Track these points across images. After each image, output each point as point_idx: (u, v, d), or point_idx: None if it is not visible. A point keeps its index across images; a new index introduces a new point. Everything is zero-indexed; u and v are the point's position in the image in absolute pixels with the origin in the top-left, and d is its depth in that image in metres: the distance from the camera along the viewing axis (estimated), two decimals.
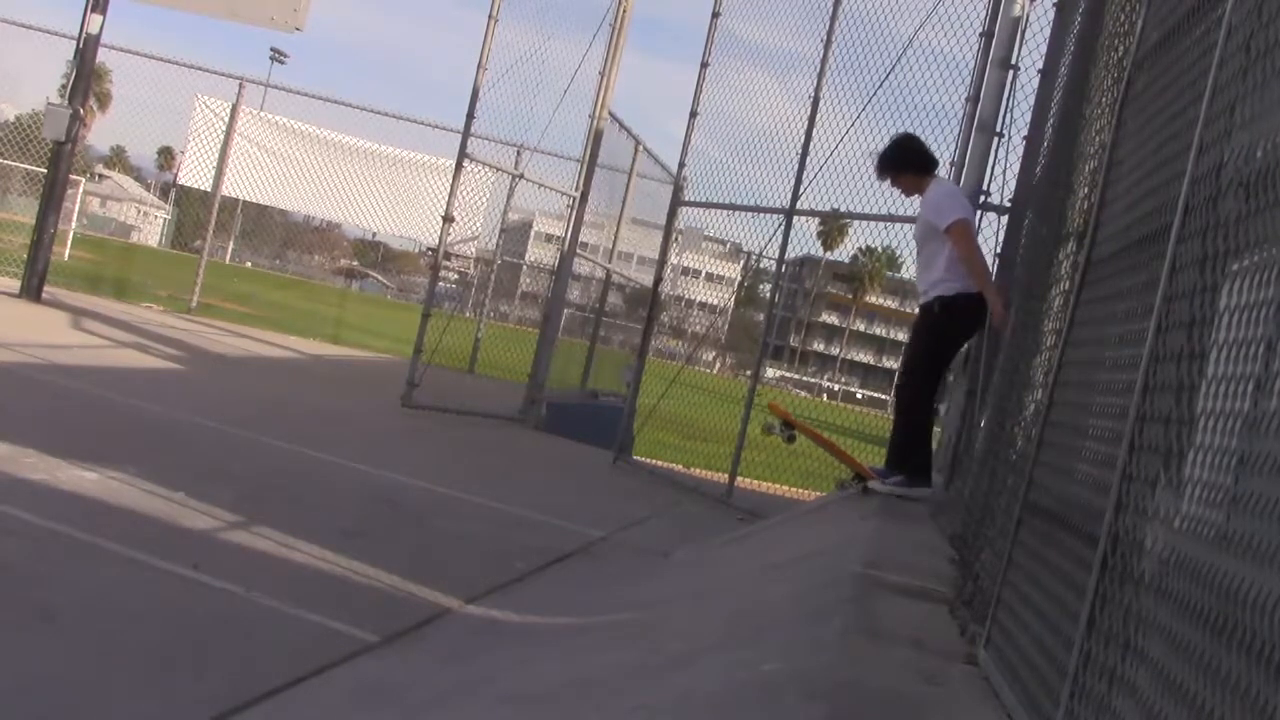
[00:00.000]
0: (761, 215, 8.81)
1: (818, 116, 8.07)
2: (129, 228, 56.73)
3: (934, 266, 5.38)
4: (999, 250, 7.15)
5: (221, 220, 20.50)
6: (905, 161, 5.62)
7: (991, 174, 7.04)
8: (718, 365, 37.83)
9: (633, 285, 15.61)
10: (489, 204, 14.63)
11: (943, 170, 7.23)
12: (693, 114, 9.04)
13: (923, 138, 6.41)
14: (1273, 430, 1.38)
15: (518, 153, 11.73)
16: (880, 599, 3.24)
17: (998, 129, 7.00)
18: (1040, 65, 6.84)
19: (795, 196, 8.18)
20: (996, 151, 7.03)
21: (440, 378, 9.72)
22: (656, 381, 10.04)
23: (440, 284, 11.19)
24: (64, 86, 12.13)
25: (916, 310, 5.74)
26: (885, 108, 7.59)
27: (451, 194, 9.66)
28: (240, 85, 15.99)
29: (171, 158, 52.88)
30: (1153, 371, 1.89)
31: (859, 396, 60.11)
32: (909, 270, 6.01)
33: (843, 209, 8.10)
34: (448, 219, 9.71)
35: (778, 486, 10.35)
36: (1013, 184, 6.96)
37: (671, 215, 9.93)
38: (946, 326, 5.40)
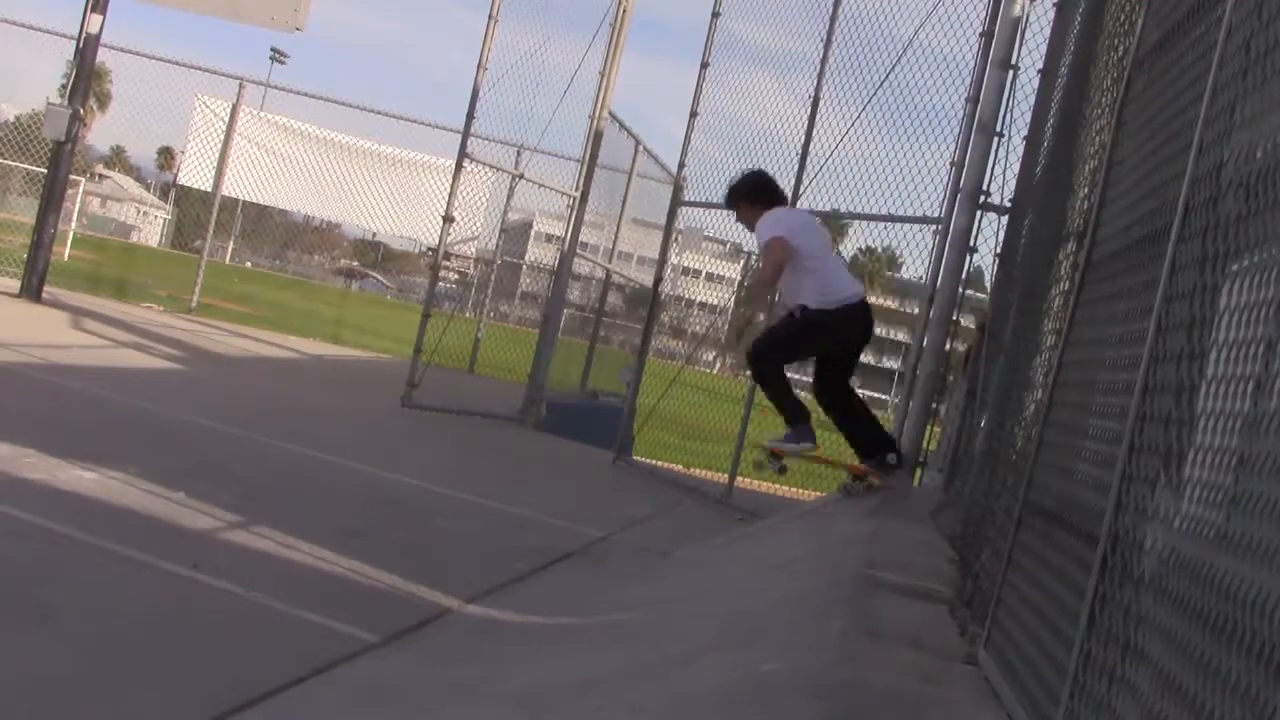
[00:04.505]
0: None
1: (818, 117, 8.07)
2: (129, 228, 56.68)
3: (799, 293, 5.62)
4: (999, 250, 7.16)
5: (221, 220, 20.48)
6: (749, 195, 5.84)
7: (991, 174, 7.05)
8: (718, 365, 37.80)
9: (633, 285, 15.61)
10: (489, 204, 14.62)
11: (943, 170, 7.25)
12: (693, 114, 9.04)
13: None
14: (1273, 430, 1.38)
15: (518, 153, 11.73)
16: (880, 599, 3.24)
17: (998, 129, 7.01)
18: (1040, 65, 6.84)
19: (795, 196, 8.17)
20: (996, 151, 7.03)
21: (440, 378, 9.71)
22: (656, 381, 10.03)
23: (440, 284, 11.19)
24: (64, 86, 12.13)
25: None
26: (885, 108, 7.60)
27: (451, 194, 9.66)
28: (240, 85, 15.99)
29: (171, 158, 52.80)
30: (1153, 371, 1.89)
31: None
32: (909, 270, 6.07)
33: (843, 209, 8.10)
34: (448, 219, 9.71)
35: (778, 486, 10.32)
36: (1013, 184, 6.97)
37: (671, 215, 9.93)
38: (801, 325, 5.63)
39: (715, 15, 9.02)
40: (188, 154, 16.57)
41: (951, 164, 7.13)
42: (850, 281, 5.84)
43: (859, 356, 5.97)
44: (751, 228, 5.82)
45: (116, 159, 66.47)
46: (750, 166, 6.35)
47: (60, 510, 4.00)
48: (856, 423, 5.76)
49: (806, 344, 5.78)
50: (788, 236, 5.51)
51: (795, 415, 5.63)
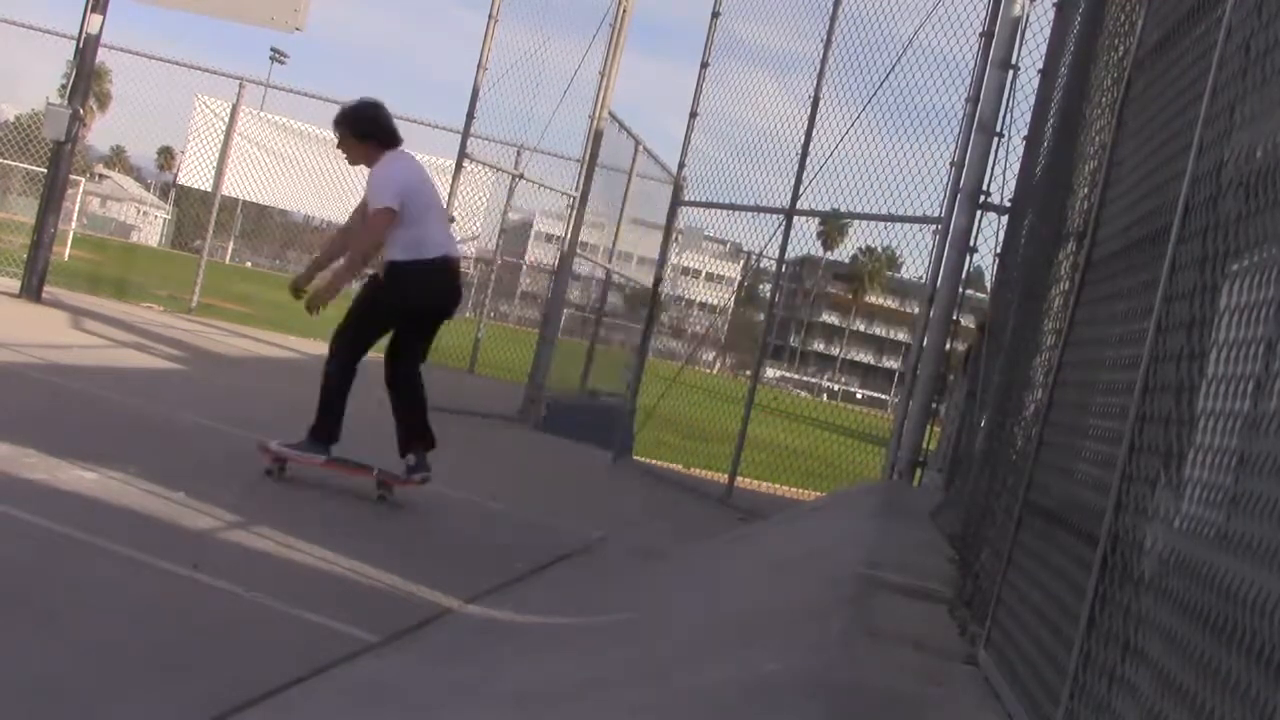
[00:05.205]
0: (761, 215, 8.82)
1: (817, 117, 8.08)
2: (129, 228, 56.67)
3: (391, 247, 5.31)
4: (999, 250, 7.17)
5: (221, 220, 20.47)
6: (355, 127, 5.40)
7: (991, 174, 7.06)
8: (718, 365, 37.85)
9: (633, 285, 15.61)
10: (489, 204, 14.62)
11: (943, 170, 7.25)
12: (693, 114, 9.05)
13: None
14: (1273, 430, 1.38)
15: (518, 153, 11.73)
16: (880, 599, 3.24)
17: (998, 129, 7.02)
18: (1040, 65, 6.85)
19: (795, 196, 8.18)
20: (996, 151, 7.05)
21: (440, 378, 9.70)
22: (656, 381, 10.04)
23: None
24: (64, 86, 12.12)
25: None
26: (885, 108, 7.61)
27: (451, 194, 9.66)
28: (240, 85, 15.97)
29: (171, 158, 52.82)
30: (1153, 371, 1.89)
31: (859, 396, 60.12)
32: (909, 270, 6.05)
33: (843, 209, 8.11)
34: (447, 219, 9.71)
35: (778, 486, 10.35)
36: (1013, 184, 6.98)
37: (671, 215, 9.94)
38: (389, 284, 5.33)
39: (715, 15, 9.03)
40: (188, 154, 16.56)
41: (951, 164, 7.13)
42: (449, 237, 5.54)
43: (436, 331, 5.64)
44: (353, 161, 5.44)
45: (116, 159, 66.45)
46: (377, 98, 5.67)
47: (60, 510, 3.99)
48: (410, 413, 5.46)
49: (394, 305, 5.35)
50: (399, 203, 5.21)
51: (325, 433, 5.34)
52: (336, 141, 5.51)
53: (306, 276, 5.62)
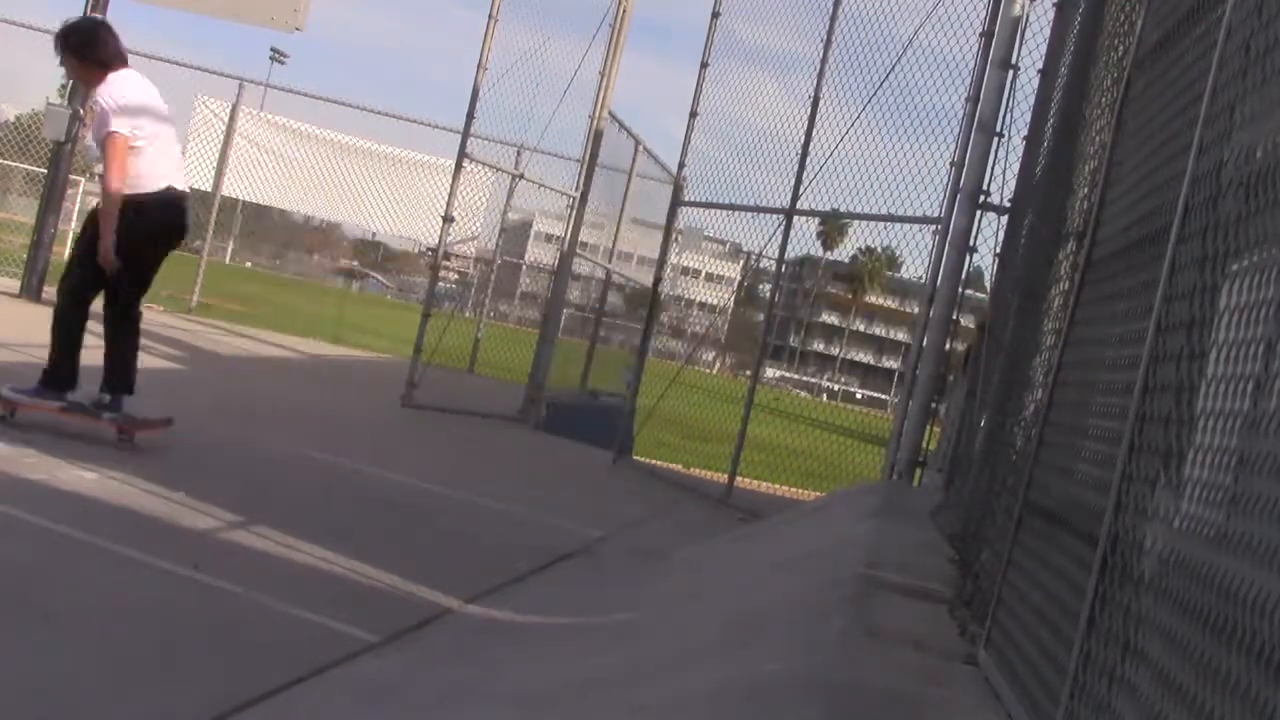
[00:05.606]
0: (761, 215, 8.82)
1: (817, 117, 8.08)
2: None
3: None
4: (999, 250, 7.17)
5: (221, 220, 20.47)
6: (76, 48, 5.17)
7: (991, 174, 7.05)
8: (718, 365, 37.89)
9: (633, 285, 15.61)
10: (489, 204, 14.61)
11: (943, 170, 7.24)
12: (693, 114, 9.05)
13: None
14: (1273, 430, 1.38)
15: (518, 153, 11.72)
16: (880, 599, 3.24)
17: (998, 129, 7.01)
18: (1040, 65, 6.85)
19: (795, 196, 8.18)
20: (996, 151, 7.04)
21: (440, 378, 9.71)
22: (656, 381, 10.04)
23: (440, 284, 11.20)
24: (64, 86, 12.14)
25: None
26: (885, 108, 7.61)
27: (451, 194, 9.66)
28: (240, 85, 15.99)
29: None
30: (1152, 371, 1.89)
31: (859, 396, 60.13)
32: (909, 270, 6.04)
33: (843, 209, 8.11)
34: (448, 219, 9.72)
35: (778, 486, 10.35)
36: (1013, 184, 6.97)
37: (671, 215, 9.94)
38: (130, 227, 5.11)
39: (715, 15, 9.02)
40: (187, 154, 16.53)
41: (951, 164, 7.13)
42: (175, 166, 5.29)
43: (159, 264, 5.42)
44: (78, 78, 5.25)
45: None
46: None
47: (60, 510, 3.99)
48: (120, 348, 5.38)
49: (117, 242, 5.09)
50: (130, 129, 5.04)
51: (60, 376, 5.17)
52: (59, 60, 5.27)
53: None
